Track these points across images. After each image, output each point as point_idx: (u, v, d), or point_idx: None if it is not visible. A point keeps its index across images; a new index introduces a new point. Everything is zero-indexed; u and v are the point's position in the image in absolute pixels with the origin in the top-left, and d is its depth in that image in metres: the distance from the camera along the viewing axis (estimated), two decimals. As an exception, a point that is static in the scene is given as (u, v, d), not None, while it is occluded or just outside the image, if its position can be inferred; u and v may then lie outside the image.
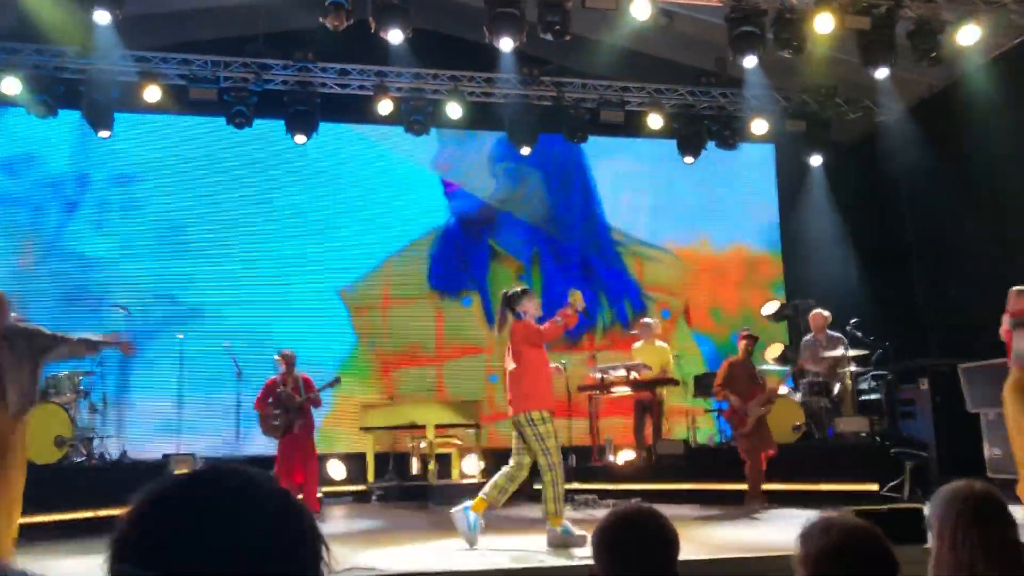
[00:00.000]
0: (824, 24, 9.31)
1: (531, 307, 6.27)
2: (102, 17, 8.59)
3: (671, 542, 1.98)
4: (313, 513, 1.03)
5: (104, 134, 10.73)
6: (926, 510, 2.19)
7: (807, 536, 1.96)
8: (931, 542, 2.06)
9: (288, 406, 8.57)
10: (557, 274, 12.69)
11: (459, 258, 12.46)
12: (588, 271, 12.84)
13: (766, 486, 8.31)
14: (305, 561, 0.97)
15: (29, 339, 5.48)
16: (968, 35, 9.59)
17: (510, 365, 6.25)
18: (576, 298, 6.28)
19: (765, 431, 8.34)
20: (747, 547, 5.59)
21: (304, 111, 11.17)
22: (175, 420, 10.07)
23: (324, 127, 11.37)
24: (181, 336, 10.22)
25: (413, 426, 10.40)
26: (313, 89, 11.30)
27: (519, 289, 6.39)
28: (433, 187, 12.60)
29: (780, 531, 5.95)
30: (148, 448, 9.90)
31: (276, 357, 8.80)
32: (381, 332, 12.02)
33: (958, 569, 1.96)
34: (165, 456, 9.18)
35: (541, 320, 6.39)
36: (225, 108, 10.97)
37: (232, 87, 10.97)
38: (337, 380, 8.96)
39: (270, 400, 8.62)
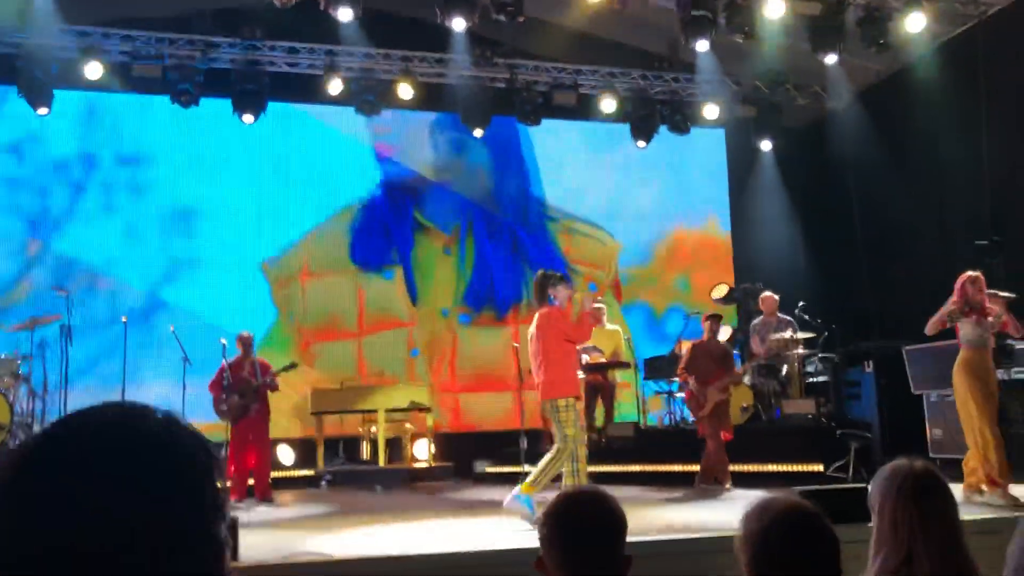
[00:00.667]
0: (775, 9, 9.38)
1: (563, 295, 6.46)
2: (40, -10, 8.33)
3: (618, 523, 1.96)
4: (215, 451, 0.89)
5: (42, 111, 10.41)
6: (870, 489, 2.20)
7: (748, 516, 1.96)
8: (873, 520, 2.08)
9: (244, 390, 8.46)
10: (488, 248, 12.67)
11: (383, 231, 12.33)
12: (518, 246, 12.84)
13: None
14: (190, 512, 0.82)
15: None
16: (915, 23, 9.73)
17: (536, 348, 6.38)
18: (579, 299, 6.63)
19: (723, 415, 8.34)
20: (694, 528, 5.64)
21: (252, 90, 10.95)
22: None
23: (272, 107, 11.16)
24: (125, 320, 9.98)
25: (364, 411, 10.32)
26: (261, 68, 11.08)
27: (556, 274, 6.58)
28: (364, 157, 12.45)
29: (728, 511, 6.00)
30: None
31: (224, 341, 8.65)
32: (300, 306, 11.89)
33: (898, 546, 1.97)
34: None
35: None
36: (170, 86, 10.70)
37: (177, 65, 10.71)
38: (293, 365, 8.86)
39: (225, 383, 8.51)
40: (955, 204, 10.43)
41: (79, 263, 11.09)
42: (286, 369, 8.75)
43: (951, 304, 6.51)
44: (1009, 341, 7.88)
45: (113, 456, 0.82)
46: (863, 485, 5.16)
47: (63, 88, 10.53)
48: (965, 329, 6.47)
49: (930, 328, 6.66)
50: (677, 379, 9.37)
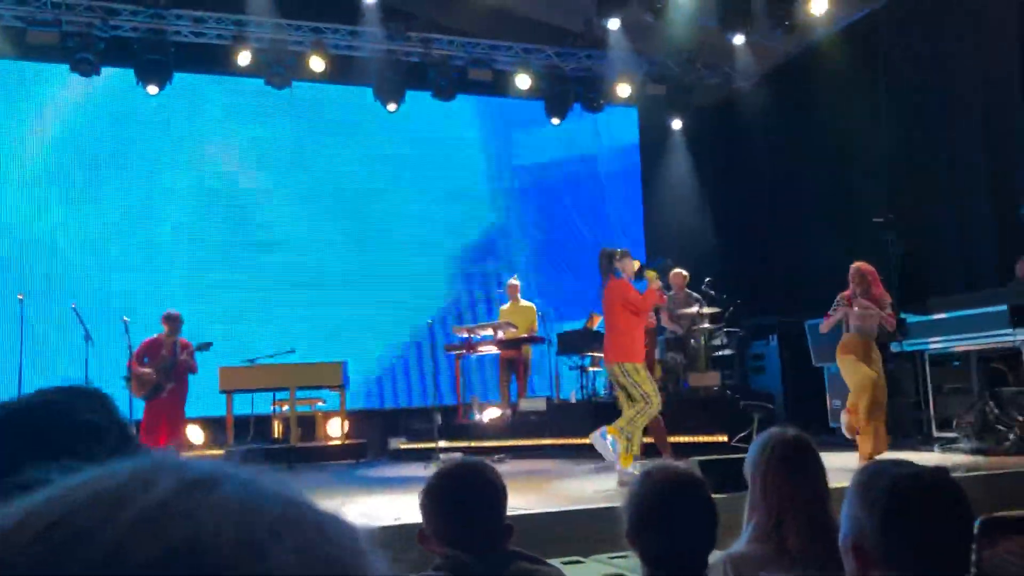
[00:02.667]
0: (685, -11, 9.51)
1: (628, 268, 6.86)
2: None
3: (498, 493, 1.99)
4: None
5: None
6: (747, 458, 2.28)
7: (631, 485, 2.03)
8: (749, 486, 2.16)
9: (160, 368, 8.31)
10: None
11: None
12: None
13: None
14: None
15: None
16: (818, 5, 9.99)
17: (605, 318, 7.01)
18: (652, 276, 6.96)
19: None
20: (590, 499, 5.77)
21: (157, 60, 10.60)
22: (14, 389, 9.48)
23: (179, 78, 10.84)
24: (21, 297, 9.61)
25: (275, 389, 10.17)
26: (166, 37, 10.73)
27: (619, 250, 6.92)
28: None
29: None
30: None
31: (126, 319, 8.44)
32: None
33: (768, 514, 2.05)
34: None
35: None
36: (68, 54, 10.28)
37: (76, 32, 10.29)
38: (207, 344, 8.71)
39: (146, 360, 8.36)
40: (857, 182, 10.79)
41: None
42: (200, 348, 8.59)
43: (843, 299, 7.01)
44: (902, 315, 8.24)
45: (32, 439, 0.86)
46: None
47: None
48: (854, 320, 6.99)
49: (824, 328, 7.23)
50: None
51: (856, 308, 6.96)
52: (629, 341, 6.77)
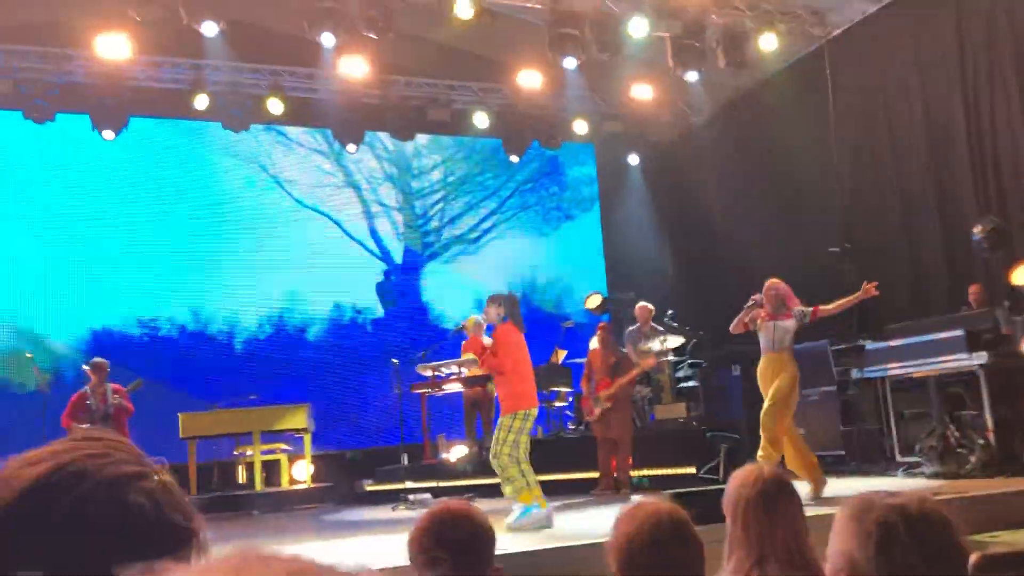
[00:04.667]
0: (638, 28, 9.71)
1: (490, 315, 6.63)
2: None
3: (485, 536, 2.00)
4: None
5: None
6: (725, 492, 2.32)
7: (618, 522, 2.04)
8: (727, 523, 2.19)
9: (95, 417, 8.11)
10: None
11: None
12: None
13: (592, 475, 8.57)
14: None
15: None
16: (768, 42, 10.25)
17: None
18: (468, 325, 6.93)
19: (618, 420, 8.51)
20: (569, 536, 5.73)
21: (112, 105, 10.54)
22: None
23: (135, 122, 10.78)
24: (30, 356, 9.43)
25: (238, 433, 10.04)
26: (121, 82, 10.67)
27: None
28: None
29: (604, 519, 6.14)
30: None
31: (85, 367, 8.28)
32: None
33: (749, 551, 2.09)
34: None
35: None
36: (23, 101, 10.17)
37: (31, 78, 10.19)
38: (138, 382, 8.56)
39: (80, 414, 8.13)
40: (810, 212, 11.02)
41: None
42: (131, 388, 8.45)
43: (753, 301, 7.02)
44: (861, 343, 8.40)
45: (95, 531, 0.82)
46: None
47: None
48: (766, 333, 6.96)
49: (733, 328, 7.19)
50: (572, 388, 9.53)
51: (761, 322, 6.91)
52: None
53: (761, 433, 6.77)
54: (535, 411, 6.74)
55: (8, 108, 10.41)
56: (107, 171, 11.39)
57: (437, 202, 13.60)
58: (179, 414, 10.12)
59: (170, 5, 8.48)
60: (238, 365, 11.66)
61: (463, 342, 7.49)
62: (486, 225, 13.66)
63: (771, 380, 6.90)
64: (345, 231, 13.02)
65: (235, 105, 11.02)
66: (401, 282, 13.23)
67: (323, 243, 12.68)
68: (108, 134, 10.56)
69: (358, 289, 12.80)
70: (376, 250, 13.22)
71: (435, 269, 13.43)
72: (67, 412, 8.18)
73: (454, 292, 13.20)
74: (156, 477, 0.89)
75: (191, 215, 11.81)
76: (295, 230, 12.48)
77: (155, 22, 8.52)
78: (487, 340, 6.85)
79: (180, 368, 11.33)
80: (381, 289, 13.10)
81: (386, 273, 13.24)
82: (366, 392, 12.14)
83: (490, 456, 6.58)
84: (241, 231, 12.13)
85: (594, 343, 10.86)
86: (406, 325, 12.90)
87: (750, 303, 7.06)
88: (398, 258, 13.34)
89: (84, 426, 8.10)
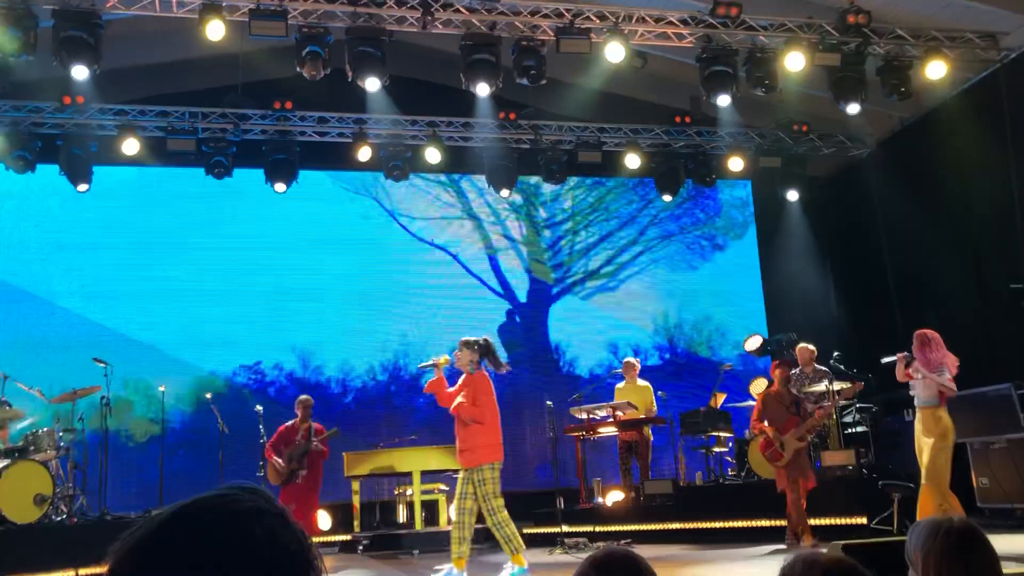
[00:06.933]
0: (795, 63, 9.47)
1: (461, 359, 6.64)
2: (80, 72, 8.61)
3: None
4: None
5: (82, 188, 10.70)
6: (908, 543, 2.18)
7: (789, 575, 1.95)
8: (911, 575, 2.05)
9: (293, 455, 8.62)
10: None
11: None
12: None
13: (754, 523, 8.24)
14: None
15: None
16: (935, 70, 9.76)
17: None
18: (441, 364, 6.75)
19: (804, 463, 8.08)
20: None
21: (283, 159, 11.21)
22: (156, 475, 9.89)
23: (302, 174, 11.43)
24: (163, 389, 10.11)
25: (398, 473, 10.29)
26: (292, 137, 11.36)
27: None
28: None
29: (769, 569, 5.88)
30: (131, 504, 9.76)
31: (259, 408, 8.79)
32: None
33: (941, 602, 1.95)
34: (146, 511, 9.03)
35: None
36: (204, 159, 10.98)
37: (211, 138, 11.00)
38: (334, 431, 8.99)
39: (282, 447, 8.71)
40: (987, 248, 10.34)
41: (117, 333, 11.28)
42: (327, 437, 8.87)
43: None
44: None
45: (220, 559, 0.90)
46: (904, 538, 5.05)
47: (101, 164, 10.85)
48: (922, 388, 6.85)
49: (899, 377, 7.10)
50: (751, 431, 9.01)
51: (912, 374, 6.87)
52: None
53: (931, 489, 6.48)
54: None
55: (190, 165, 11.23)
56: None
57: (567, 233, 13.22)
58: (344, 453, 10.50)
59: (336, 63, 8.99)
60: (360, 411, 11.96)
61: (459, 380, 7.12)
62: (624, 259, 13.24)
63: (921, 436, 6.88)
64: (464, 266, 12.71)
65: (395, 156, 11.49)
66: (526, 322, 12.75)
67: (439, 280, 12.48)
68: (280, 187, 11.21)
69: (477, 330, 12.59)
70: (498, 287, 12.80)
71: (565, 307, 12.94)
72: (271, 442, 8.75)
73: (588, 333, 12.76)
74: (276, 512, 0.98)
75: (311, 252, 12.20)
76: (412, 266, 12.45)
77: (322, 81, 9.02)
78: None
79: (340, 409, 11.77)
80: (504, 330, 12.65)
81: (509, 313, 12.76)
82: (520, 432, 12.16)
83: (460, 510, 6.45)
84: (356, 269, 12.31)
85: (758, 385, 10.53)
86: (532, 370, 12.49)
87: (901, 355, 6.99)
88: (522, 296, 12.88)
89: (280, 461, 8.60)
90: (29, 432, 8.43)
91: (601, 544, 8.46)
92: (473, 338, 6.74)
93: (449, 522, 10.40)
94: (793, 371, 9.91)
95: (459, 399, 6.53)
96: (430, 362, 6.77)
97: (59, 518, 8.26)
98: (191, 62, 11.14)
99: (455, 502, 6.59)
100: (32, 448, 8.26)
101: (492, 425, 6.48)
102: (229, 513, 0.95)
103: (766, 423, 8.24)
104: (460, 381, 6.71)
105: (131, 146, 10.61)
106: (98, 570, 7.34)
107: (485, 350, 6.66)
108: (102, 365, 9.22)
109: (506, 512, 6.43)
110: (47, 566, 7.36)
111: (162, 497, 9.50)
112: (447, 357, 6.81)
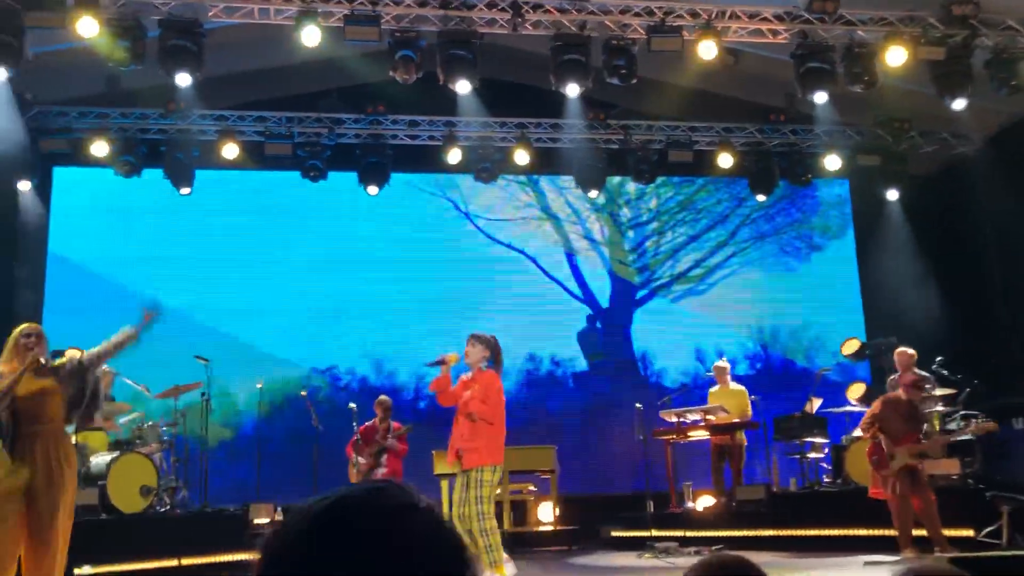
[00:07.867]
0: (896, 57, 9.14)
1: (471, 356, 6.36)
2: (183, 79, 8.92)
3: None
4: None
5: (184, 191, 11.11)
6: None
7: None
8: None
9: (374, 451, 8.85)
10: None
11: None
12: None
13: (850, 531, 7.99)
14: None
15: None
16: (1048, 61, 9.30)
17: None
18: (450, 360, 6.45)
19: (916, 482, 7.50)
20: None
21: (376, 163, 11.42)
22: (254, 469, 10.16)
23: (394, 177, 11.61)
24: (260, 386, 10.38)
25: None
26: (384, 141, 11.55)
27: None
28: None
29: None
30: (229, 497, 10.04)
31: (353, 406, 9.00)
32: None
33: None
34: (245, 504, 9.28)
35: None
36: (299, 162, 11.26)
37: (306, 142, 11.28)
38: (409, 427, 9.15)
39: (362, 446, 8.97)
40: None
41: (218, 332, 11.62)
42: (404, 432, 9.03)
43: None
44: None
45: (380, 550, 0.90)
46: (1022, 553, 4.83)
47: (202, 168, 11.24)
48: None
49: None
50: (860, 432, 8.53)
51: None
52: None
53: None
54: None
55: (286, 169, 11.52)
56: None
57: (653, 234, 12.85)
58: (433, 452, 10.60)
59: (428, 67, 9.09)
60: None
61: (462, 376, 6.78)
62: (715, 260, 12.88)
63: None
64: (542, 269, 12.40)
65: (485, 158, 11.56)
66: (608, 329, 12.38)
67: (516, 284, 12.20)
68: (372, 189, 11.41)
69: (556, 337, 12.14)
70: (579, 291, 12.44)
71: (651, 311, 12.59)
72: (351, 442, 9.00)
73: (675, 340, 12.38)
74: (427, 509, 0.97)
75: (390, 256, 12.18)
76: (486, 265, 12.25)
77: (414, 84, 9.14)
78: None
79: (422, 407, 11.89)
80: (584, 337, 12.33)
81: (590, 319, 12.40)
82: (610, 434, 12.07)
83: (460, 516, 6.04)
84: (430, 274, 12.14)
85: (856, 390, 10.21)
86: (616, 376, 12.21)
87: None
88: (604, 301, 12.51)
89: (360, 459, 8.82)
90: (136, 426, 8.77)
91: (693, 549, 8.33)
92: (485, 334, 6.47)
93: (537, 523, 10.42)
94: (892, 376, 9.54)
95: (468, 394, 6.24)
96: (439, 359, 6.49)
97: (163, 509, 8.57)
98: (287, 68, 11.42)
99: (455, 509, 6.26)
100: (138, 441, 8.60)
101: (500, 426, 6.21)
102: (390, 509, 0.94)
103: (878, 428, 7.76)
104: (467, 377, 6.40)
105: (231, 151, 10.97)
106: (200, 560, 7.60)
107: (495, 349, 6.38)
108: (203, 362, 9.51)
109: (495, 520, 6.18)
110: (152, 555, 7.64)
111: (259, 492, 9.76)
112: (456, 355, 6.49)
